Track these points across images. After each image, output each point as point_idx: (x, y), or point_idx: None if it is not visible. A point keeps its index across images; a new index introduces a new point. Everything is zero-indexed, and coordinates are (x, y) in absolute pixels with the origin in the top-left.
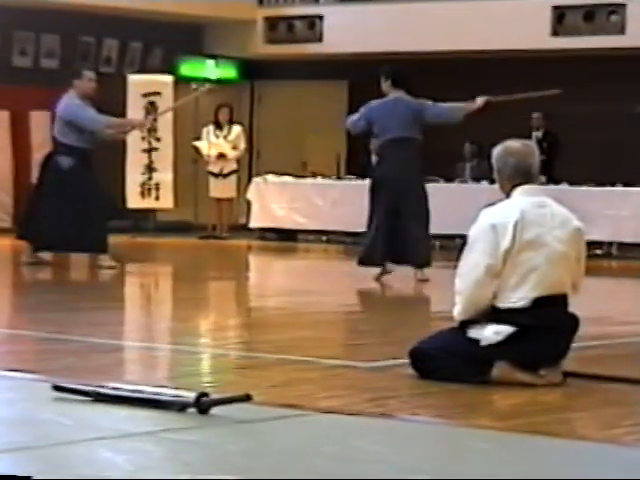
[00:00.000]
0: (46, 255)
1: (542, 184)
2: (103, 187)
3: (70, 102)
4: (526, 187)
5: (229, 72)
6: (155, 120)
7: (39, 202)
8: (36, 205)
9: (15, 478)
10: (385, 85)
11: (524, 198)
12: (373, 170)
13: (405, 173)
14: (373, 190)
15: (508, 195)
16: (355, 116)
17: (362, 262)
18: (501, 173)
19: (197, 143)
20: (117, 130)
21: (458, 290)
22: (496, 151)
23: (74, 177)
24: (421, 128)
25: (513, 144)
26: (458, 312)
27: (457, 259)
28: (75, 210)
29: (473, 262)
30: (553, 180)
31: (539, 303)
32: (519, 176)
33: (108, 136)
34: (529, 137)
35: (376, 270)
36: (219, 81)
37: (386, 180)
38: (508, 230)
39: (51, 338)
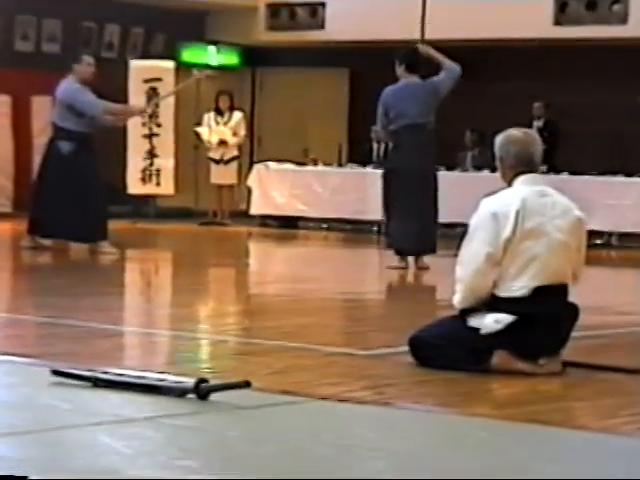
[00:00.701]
0: (46, 240)
1: (543, 173)
2: (100, 173)
3: (69, 86)
4: (528, 176)
5: (231, 59)
6: (157, 105)
7: (41, 188)
8: (38, 191)
9: (12, 478)
10: (399, 70)
11: (525, 187)
12: (389, 157)
13: (423, 162)
14: (392, 178)
15: (510, 184)
16: (377, 118)
17: (399, 252)
18: (503, 162)
19: (198, 129)
20: (117, 116)
21: (458, 278)
22: (498, 139)
23: (75, 162)
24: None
25: (515, 133)
26: (458, 300)
27: (458, 248)
28: (76, 197)
29: (473, 251)
30: (554, 169)
31: (539, 292)
32: (521, 165)
33: (108, 122)
34: (530, 126)
35: (394, 258)
36: (221, 67)
37: (406, 169)
38: (509, 219)
39: (51, 323)
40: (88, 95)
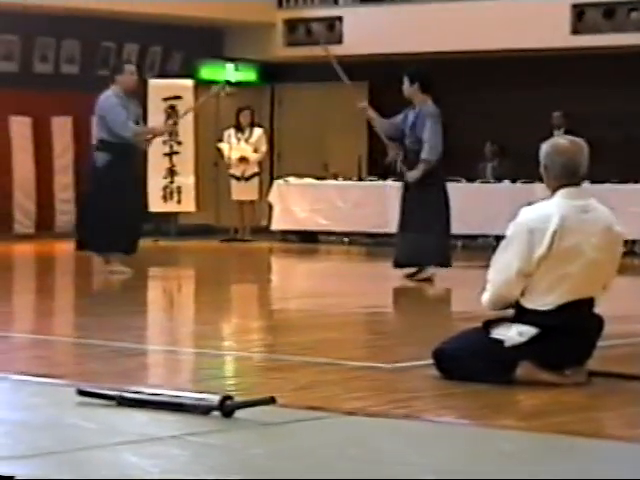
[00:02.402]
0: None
1: None
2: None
3: (108, 99)
4: (571, 189)
5: (249, 75)
6: (175, 123)
7: (82, 203)
8: (82, 205)
9: None
10: (411, 89)
11: (567, 201)
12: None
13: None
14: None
15: (553, 193)
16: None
17: (445, 264)
18: (548, 171)
19: (220, 145)
20: (141, 138)
21: (490, 279)
22: (544, 148)
23: (108, 173)
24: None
25: (562, 142)
26: (486, 300)
27: (489, 259)
28: (110, 209)
29: (506, 261)
30: None
31: (565, 305)
32: (566, 176)
33: (136, 143)
34: (550, 136)
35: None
36: (239, 84)
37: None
38: (545, 237)
39: (75, 343)
40: (121, 114)
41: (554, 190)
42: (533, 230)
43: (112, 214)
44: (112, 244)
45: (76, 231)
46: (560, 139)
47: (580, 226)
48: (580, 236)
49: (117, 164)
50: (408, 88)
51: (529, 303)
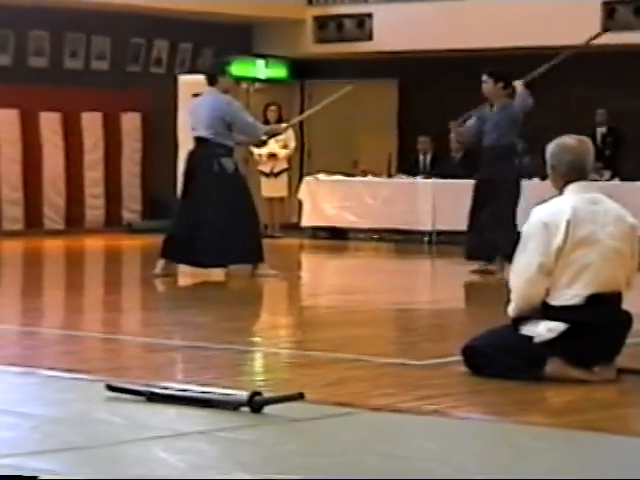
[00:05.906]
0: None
1: (607, 180)
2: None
3: (232, 104)
4: (579, 184)
5: (279, 72)
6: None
7: (198, 212)
8: (210, 215)
9: (21, 478)
10: (495, 88)
11: (577, 195)
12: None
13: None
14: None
15: (561, 191)
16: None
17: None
18: (555, 170)
19: None
20: (264, 138)
21: (512, 286)
22: (551, 147)
23: (239, 179)
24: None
25: (569, 140)
26: (512, 309)
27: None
28: (242, 217)
29: (526, 260)
30: (618, 176)
31: (593, 301)
32: (573, 173)
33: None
34: (593, 133)
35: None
36: (269, 81)
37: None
38: (560, 228)
39: (104, 338)
40: (249, 117)
41: (561, 188)
42: (547, 223)
43: (255, 221)
44: (257, 251)
45: (189, 247)
46: (567, 138)
47: (592, 216)
48: (594, 225)
49: (239, 169)
50: (492, 87)
51: (555, 300)
